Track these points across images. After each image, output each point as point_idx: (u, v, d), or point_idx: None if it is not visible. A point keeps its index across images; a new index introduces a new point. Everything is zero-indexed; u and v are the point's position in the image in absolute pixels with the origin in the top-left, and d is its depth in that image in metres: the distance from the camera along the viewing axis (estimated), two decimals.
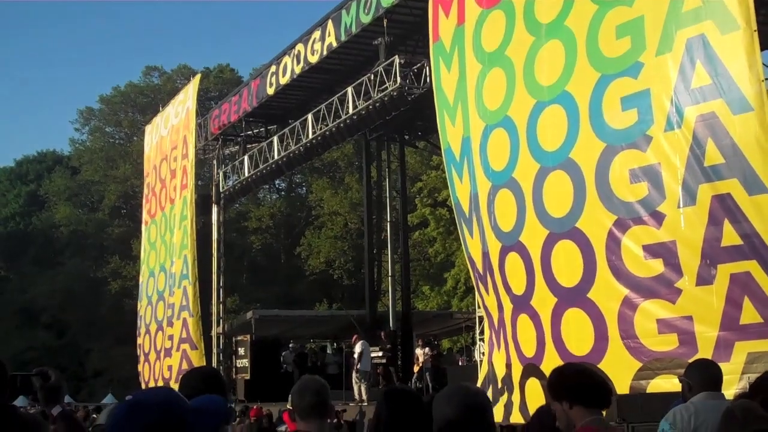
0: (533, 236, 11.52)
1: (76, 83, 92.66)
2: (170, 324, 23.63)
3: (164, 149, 25.62)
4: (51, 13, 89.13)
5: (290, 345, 26.22)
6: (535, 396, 11.02)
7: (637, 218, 10.05)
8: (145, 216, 27.78)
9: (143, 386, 25.10)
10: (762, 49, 9.40)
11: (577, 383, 4.04)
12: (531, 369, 11.50)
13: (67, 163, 55.71)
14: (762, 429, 3.22)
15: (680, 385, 5.54)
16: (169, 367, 23.13)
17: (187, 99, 24.74)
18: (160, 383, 23.31)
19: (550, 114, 11.33)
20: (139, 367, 25.70)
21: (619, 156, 10.30)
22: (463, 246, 14.26)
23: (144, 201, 28.14)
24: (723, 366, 5.91)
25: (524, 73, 11.78)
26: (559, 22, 11.29)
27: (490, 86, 12.40)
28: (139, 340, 26.06)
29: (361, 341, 20.32)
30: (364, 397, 19.38)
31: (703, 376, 5.40)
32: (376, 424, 3.75)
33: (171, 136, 25.09)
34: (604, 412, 4.15)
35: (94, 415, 15.12)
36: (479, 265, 13.00)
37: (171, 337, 23.46)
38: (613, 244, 10.30)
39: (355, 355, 19.96)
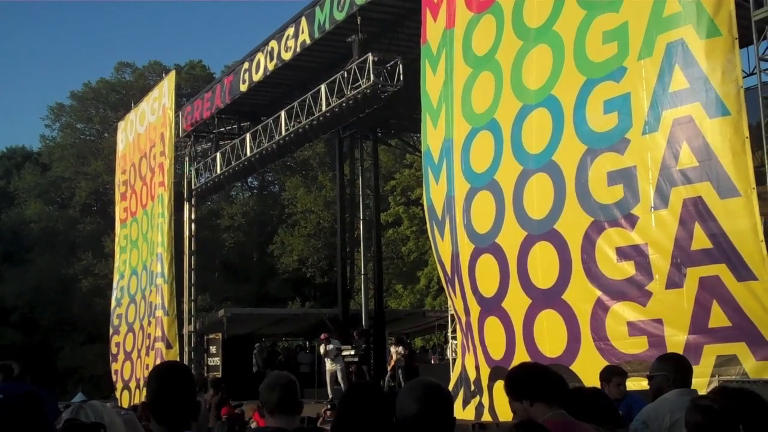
0: (511, 238, 11.53)
1: (46, 79, 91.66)
2: (149, 323, 23.64)
3: (143, 147, 25.52)
4: (22, 8, 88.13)
5: (256, 345, 26.26)
6: (504, 398, 10.99)
7: (612, 220, 10.09)
8: (120, 213, 27.53)
9: (122, 385, 24.94)
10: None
11: (537, 381, 4.12)
12: (499, 371, 11.50)
13: (37, 160, 54.92)
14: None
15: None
16: (147, 366, 23.01)
17: (162, 96, 24.61)
18: (142, 382, 23.23)
19: (535, 117, 11.36)
20: (117, 366, 25.41)
21: (598, 158, 10.35)
22: (433, 248, 14.25)
23: (119, 198, 27.88)
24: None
25: (512, 76, 11.81)
26: (547, 27, 11.32)
27: (479, 89, 12.42)
28: (118, 339, 25.80)
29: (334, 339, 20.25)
30: None
31: (679, 370, 5.41)
32: (335, 419, 3.77)
33: (149, 133, 25.00)
34: None
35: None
36: (448, 268, 12.99)
37: (149, 336, 23.43)
38: (588, 246, 10.33)
39: (343, 353, 19.82)
